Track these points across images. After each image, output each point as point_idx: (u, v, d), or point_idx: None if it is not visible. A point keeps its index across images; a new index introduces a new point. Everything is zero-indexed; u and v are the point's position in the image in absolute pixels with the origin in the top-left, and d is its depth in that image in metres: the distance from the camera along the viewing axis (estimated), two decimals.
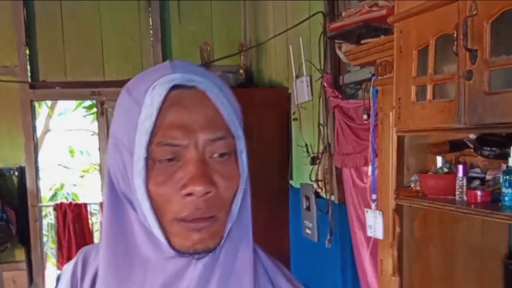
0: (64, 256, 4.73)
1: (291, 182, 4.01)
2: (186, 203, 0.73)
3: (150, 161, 0.74)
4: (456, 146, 1.99)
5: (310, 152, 3.52)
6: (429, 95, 1.71)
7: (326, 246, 3.24)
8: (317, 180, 3.38)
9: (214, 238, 0.76)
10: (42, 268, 4.79)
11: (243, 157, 0.79)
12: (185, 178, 0.73)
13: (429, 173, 1.97)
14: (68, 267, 0.89)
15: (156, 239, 0.76)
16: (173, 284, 0.77)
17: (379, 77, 2.17)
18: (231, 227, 0.78)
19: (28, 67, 4.60)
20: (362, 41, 2.28)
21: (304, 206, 3.61)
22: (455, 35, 1.55)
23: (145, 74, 0.78)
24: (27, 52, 4.59)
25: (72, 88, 4.70)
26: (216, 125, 0.76)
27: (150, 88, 0.74)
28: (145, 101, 0.74)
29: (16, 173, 4.61)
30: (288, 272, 0.90)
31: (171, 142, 0.73)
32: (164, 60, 4.67)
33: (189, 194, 0.73)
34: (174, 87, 0.75)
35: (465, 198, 1.77)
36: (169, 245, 0.75)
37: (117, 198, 0.79)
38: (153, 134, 0.73)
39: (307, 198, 3.56)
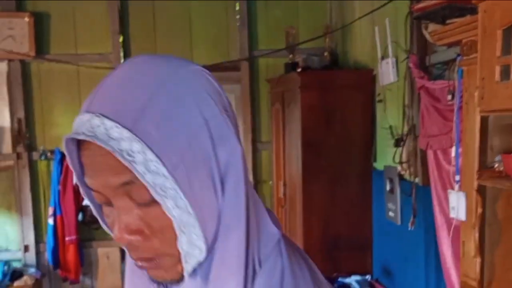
0: None
1: (374, 164, 4.01)
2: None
3: None
4: None
5: (395, 134, 3.51)
6: None
7: (409, 229, 3.24)
8: (401, 162, 3.36)
9: (169, 273, 0.73)
10: None
11: (147, 179, 0.66)
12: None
13: None
14: None
15: None
16: None
17: (464, 57, 2.14)
18: (209, 261, 0.72)
19: (121, 54, 4.81)
20: (448, 21, 2.26)
21: (388, 189, 3.60)
22: None
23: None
24: (121, 40, 4.80)
25: None
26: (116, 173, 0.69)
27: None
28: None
29: None
30: None
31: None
32: (249, 45, 4.78)
33: None
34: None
35: None
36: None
37: None
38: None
39: (391, 180, 3.55)
